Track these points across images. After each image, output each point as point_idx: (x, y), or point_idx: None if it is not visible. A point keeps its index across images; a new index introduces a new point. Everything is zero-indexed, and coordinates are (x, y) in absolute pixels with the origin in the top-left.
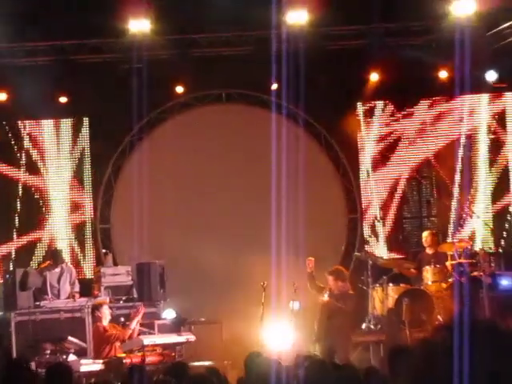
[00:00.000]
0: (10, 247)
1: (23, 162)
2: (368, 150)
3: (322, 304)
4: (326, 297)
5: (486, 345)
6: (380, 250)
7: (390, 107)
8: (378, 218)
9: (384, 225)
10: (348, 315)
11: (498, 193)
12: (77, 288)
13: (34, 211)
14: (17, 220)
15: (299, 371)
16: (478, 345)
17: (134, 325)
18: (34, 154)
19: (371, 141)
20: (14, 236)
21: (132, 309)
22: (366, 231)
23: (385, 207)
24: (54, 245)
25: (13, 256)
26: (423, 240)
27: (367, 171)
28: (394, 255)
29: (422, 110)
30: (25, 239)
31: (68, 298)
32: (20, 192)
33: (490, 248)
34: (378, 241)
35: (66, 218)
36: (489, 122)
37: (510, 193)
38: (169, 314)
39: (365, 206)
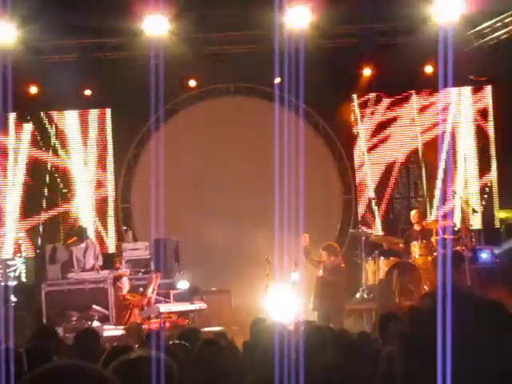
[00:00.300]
0: (38, 222)
1: (55, 147)
2: (363, 137)
3: (317, 277)
4: (320, 272)
5: (464, 310)
6: (375, 227)
7: (383, 99)
8: (373, 199)
9: (378, 205)
10: (341, 286)
11: (479, 173)
12: (100, 261)
13: (62, 192)
14: (44, 201)
15: (298, 335)
16: (457, 310)
17: (150, 292)
18: (64, 140)
19: (366, 129)
20: (42, 213)
21: (148, 278)
22: (360, 210)
23: (378, 189)
24: (79, 222)
25: (41, 231)
26: (411, 218)
27: (362, 155)
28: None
29: (411, 102)
30: (53, 212)
31: (92, 270)
32: (48, 176)
33: (471, 225)
34: (373, 219)
35: (91, 199)
36: (471, 112)
37: (490, 174)
38: (183, 285)
39: (359, 187)
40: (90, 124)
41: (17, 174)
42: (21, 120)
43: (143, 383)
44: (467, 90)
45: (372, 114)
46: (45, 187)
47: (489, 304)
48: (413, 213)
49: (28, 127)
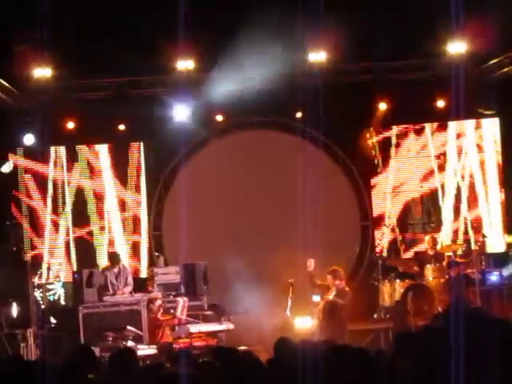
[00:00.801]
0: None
1: (99, 181)
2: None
3: (326, 300)
4: (331, 296)
5: (473, 327)
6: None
7: (401, 132)
8: (388, 225)
9: (393, 230)
10: (346, 309)
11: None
12: (131, 285)
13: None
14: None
15: (319, 353)
16: (468, 327)
17: (179, 312)
18: (105, 173)
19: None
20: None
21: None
22: (377, 236)
23: (394, 216)
24: (113, 249)
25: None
26: (425, 242)
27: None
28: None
29: (424, 135)
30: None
31: (126, 293)
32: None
33: (481, 248)
34: (390, 244)
35: (127, 227)
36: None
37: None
38: (213, 307)
39: (376, 215)
40: (122, 157)
41: (65, 204)
42: (71, 153)
43: None
44: (475, 123)
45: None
46: (85, 215)
47: (496, 321)
48: (427, 238)
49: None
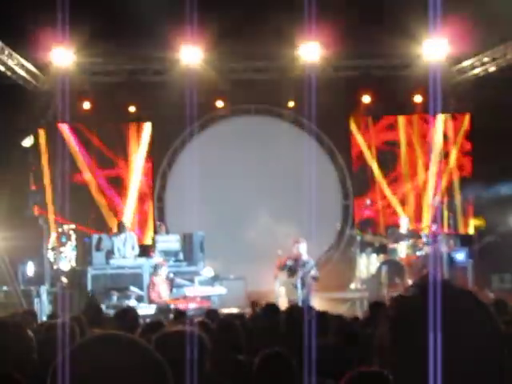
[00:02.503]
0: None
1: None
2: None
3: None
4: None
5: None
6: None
7: (379, 122)
8: (367, 204)
9: (371, 209)
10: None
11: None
12: (136, 251)
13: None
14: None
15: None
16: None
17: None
18: (114, 149)
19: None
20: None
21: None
22: (357, 214)
23: (371, 196)
24: (120, 217)
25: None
26: (400, 221)
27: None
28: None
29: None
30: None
31: (130, 258)
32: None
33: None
34: (367, 221)
35: (134, 199)
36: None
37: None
38: (208, 272)
39: (355, 195)
40: (131, 136)
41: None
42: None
43: (180, 354)
44: (449, 117)
45: (371, 134)
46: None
47: (466, 291)
48: (402, 217)
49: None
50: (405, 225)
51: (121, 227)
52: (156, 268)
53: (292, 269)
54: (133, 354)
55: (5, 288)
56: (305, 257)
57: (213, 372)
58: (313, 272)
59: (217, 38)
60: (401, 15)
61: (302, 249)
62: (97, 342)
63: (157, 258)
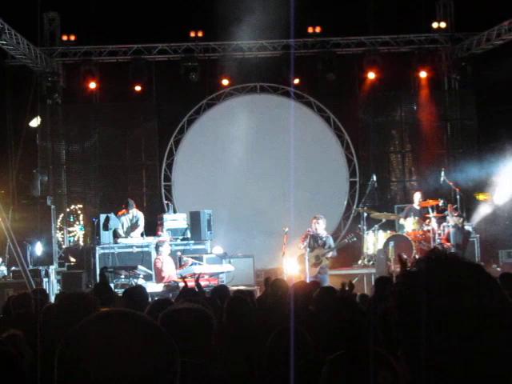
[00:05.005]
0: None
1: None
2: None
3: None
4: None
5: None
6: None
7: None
8: (373, 182)
9: (377, 186)
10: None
11: None
12: (142, 228)
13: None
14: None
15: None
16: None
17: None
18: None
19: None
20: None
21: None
22: (363, 191)
23: (379, 173)
24: (128, 197)
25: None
26: (415, 198)
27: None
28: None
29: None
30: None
31: (138, 236)
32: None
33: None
34: (373, 198)
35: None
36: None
37: None
38: (217, 250)
39: (362, 172)
40: (137, 115)
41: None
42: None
43: (188, 330)
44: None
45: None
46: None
47: (474, 264)
48: (417, 194)
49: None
50: (417, 200)
51: (127, 206)
52: (157, 247)
53: (310, 245)
54: (140, 331)
55: (14, 268)
56: (323, 233)
57: (222, 348)
58: (329, 254)
59: (220, 17)
60: None
61: (321, 225)
62: (104, 319)
63: (163, 237)
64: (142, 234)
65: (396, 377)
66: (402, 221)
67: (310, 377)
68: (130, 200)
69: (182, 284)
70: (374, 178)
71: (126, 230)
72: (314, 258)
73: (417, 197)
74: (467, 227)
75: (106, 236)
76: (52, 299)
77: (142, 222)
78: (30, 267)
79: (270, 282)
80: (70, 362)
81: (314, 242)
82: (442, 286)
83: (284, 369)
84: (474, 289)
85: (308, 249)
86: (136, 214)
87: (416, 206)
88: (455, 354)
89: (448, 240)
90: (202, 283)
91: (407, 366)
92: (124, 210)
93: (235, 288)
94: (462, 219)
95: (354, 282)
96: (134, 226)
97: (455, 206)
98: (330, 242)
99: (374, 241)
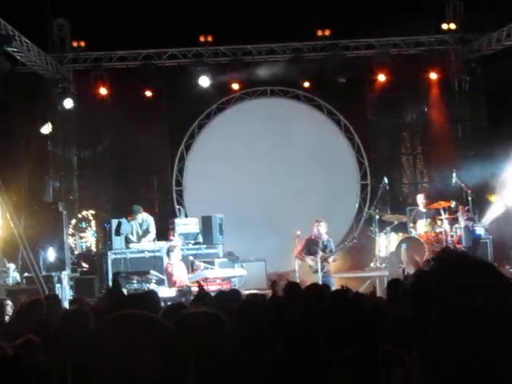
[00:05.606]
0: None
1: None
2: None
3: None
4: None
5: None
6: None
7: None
8: (385, 184)
9: (389, 189)
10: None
11: None
12: (154, 234)
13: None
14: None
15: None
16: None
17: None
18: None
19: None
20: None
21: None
22: (374, 194)
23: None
24: (140, 202)
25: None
26: (418, 200)
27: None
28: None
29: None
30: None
31: (149, 241)
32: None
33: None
34: (385, 201)
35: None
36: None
37: None
38: (229, 255)
39: (374, 174)
40: (148, 120)
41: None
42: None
43: (202, 334)
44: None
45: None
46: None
47: (486, 264)
48: (420, 196)
49: None
50: (421, 202)
51: (135, 211)
52: (168, 252)
53: (311, 251)
54: (155, 333)
55: (27, 274)
56: (324, 237)
57: (235, 353)
58: (331, 258)
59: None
60: None
61: (323, 229)
62: (120, 321)
63: (174, 242)
64: (153, 240)
65: (410, 374)
66: (411, 225)
67: (322, 377)
68: (134, 206)
69: (194, 288)
70: (386, 180)
71: (135, 235)
72: (315, 264)
73: (420, 199)
74: (478, 230)
75: (118, 241)
76: (65, 305)
77: (152, 228)
78: (43, 273)
79: (277, 285)
80: (85, 364)
81: (316, 246)
82: (454, 285)
83: (296, 370)
84: (486, 288)
85: (310, 256)
86: (146, 218)
87: (421, 208)
88: (467, 353)
89: (459, 242)
90: (214, 287)
91: (420, 365)
92: (129, 217)
93: (247, 292)
94: (472, 222)
95: (366, 284)
96: (144, 233)
97: (467, 208)
98: (331, 245)
99: (386, 243)
